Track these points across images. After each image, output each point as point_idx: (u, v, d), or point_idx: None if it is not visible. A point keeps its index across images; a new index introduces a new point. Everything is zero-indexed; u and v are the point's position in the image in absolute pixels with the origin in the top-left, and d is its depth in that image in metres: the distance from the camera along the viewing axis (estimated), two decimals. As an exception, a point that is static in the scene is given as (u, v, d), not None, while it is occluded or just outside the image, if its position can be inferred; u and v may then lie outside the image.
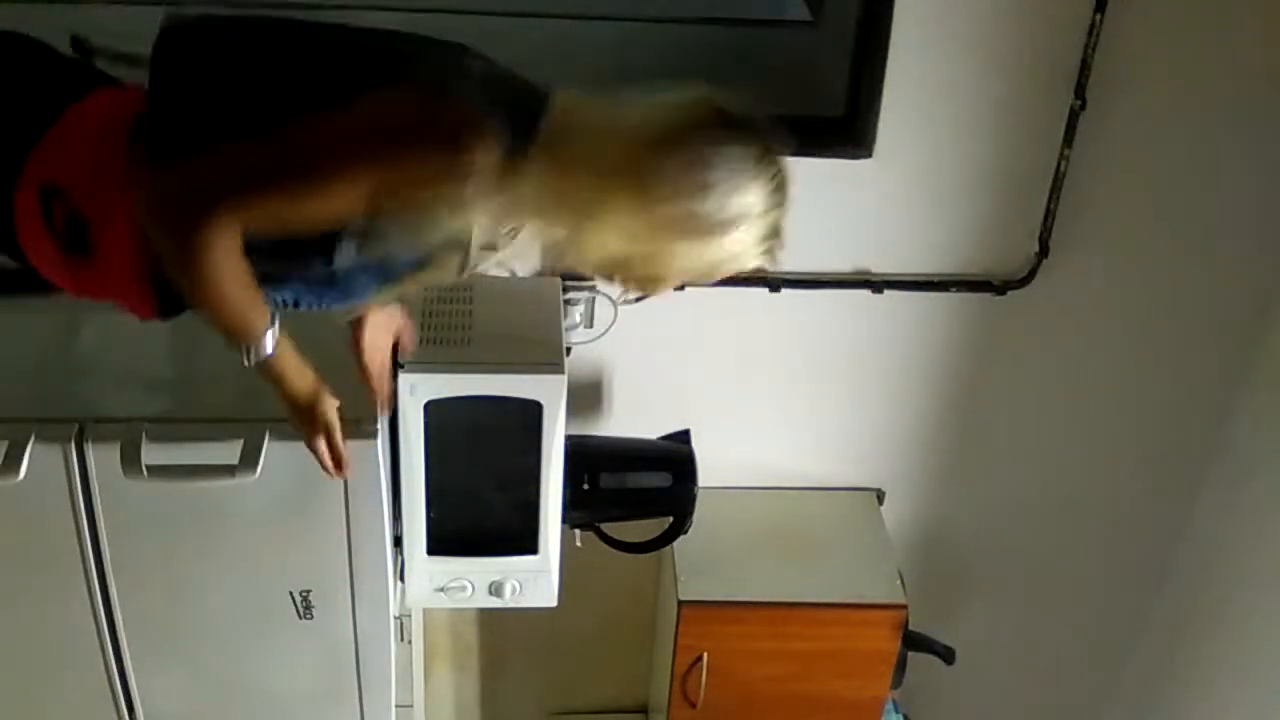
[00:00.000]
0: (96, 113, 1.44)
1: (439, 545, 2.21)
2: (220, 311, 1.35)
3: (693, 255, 1.36)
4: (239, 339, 1.40)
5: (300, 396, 1.55)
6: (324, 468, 1.65)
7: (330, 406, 1.60)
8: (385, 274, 1.41)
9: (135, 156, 1.38)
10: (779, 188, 1.38)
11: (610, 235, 1.34)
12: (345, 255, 1.36)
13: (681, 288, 2.46)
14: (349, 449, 1.65)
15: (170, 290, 1.42)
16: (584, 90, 1.41)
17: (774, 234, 1.40)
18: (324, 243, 1.35)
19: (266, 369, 1.46)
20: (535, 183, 1.33)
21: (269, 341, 1.42)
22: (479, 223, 1.37)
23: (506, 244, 1.48)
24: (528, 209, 1.37)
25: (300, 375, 1.53)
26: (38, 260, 1.46)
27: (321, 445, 1.62)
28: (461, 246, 1.40)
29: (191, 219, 1.27)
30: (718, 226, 1.34)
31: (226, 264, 1.30)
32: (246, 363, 1.42)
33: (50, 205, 1.40)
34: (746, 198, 1.35)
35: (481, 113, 1.30)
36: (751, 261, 1.41)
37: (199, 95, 1.38)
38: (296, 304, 1.47)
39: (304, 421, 1.59)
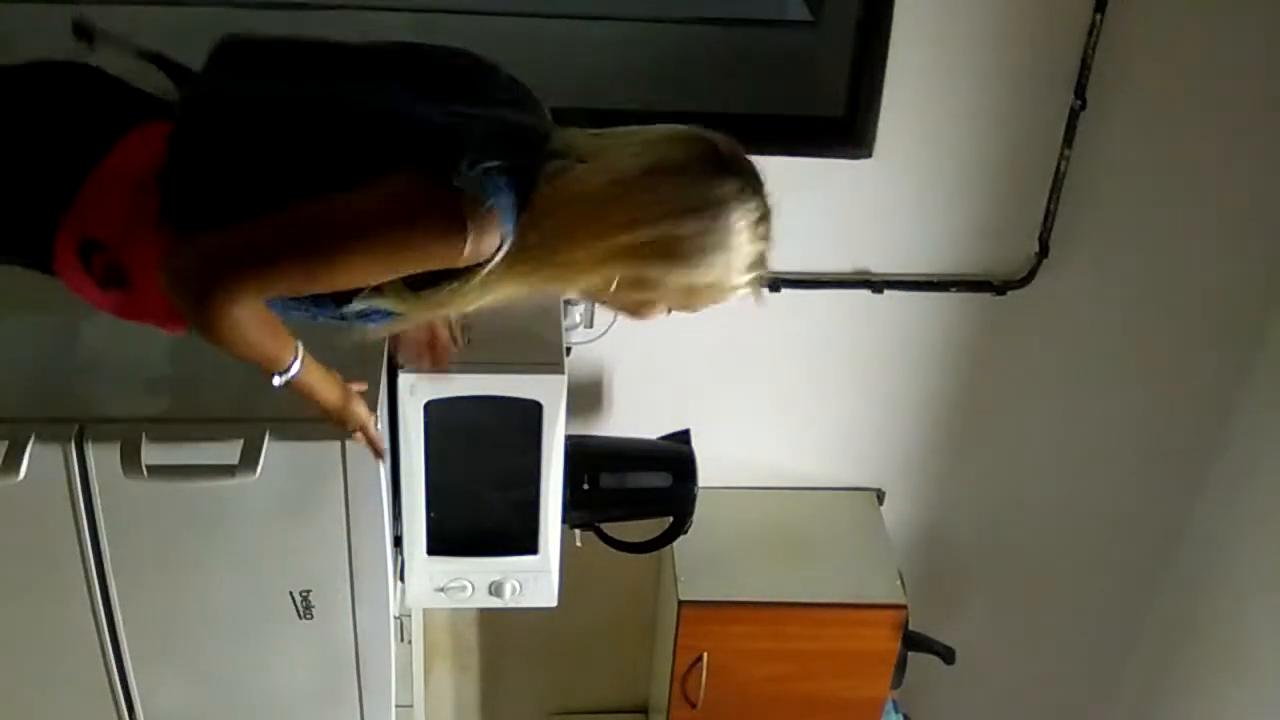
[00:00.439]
0: (131, 162, 1.47)
1: (439, 545, 2.21)
2: (248, 356, 1.44)
3: (677, 280, 1.40)
4: (268, 370, 1.49)
5: (330, 402, 1.62)
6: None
7: (359, 404, 1.68)
8: (393, 316, 1.48)
9: (158, 221, 1.45)
10: (763, 220, 1.42)
11: (599, 261, 1.39)
12: (358, 307, 1.44)
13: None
14: (383, 436, 1.77)
15: None
16: (581, 125, 1.48)
17: (758, 265, 1.44)
18: (336, 297, 1.44)
19: (296, 386, 1.54)
20: (537, 235, 1.39)
21: (296, 366, 1.51)
22: (477, 300, 1.44)
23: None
24: (528, 259, 1.41)
25: (326, 384, 1.60)
26: (76, 290, 1.52)
27: (360, 439, 1.72)
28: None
29: (207, 293, 1.35)
30: (700, 252, 1.38)
31: (248, 324, 1.39)
32: (275, 384, 1.51)
33: (90, 257, 1.47)
34: (731, 224, 1.39)
35: (484, 198, 1.34)
36: (734, 292, 1.44)
37: (216, 169, 1.44)
38: (315, 319, 1.54)
39: (338, 422, 1.67)
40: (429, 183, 1.34)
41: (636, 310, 1.48)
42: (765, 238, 1.43)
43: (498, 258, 1.37)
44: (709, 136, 1.43)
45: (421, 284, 1.40)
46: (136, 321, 1.57)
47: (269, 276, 1.36)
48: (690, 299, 1.44)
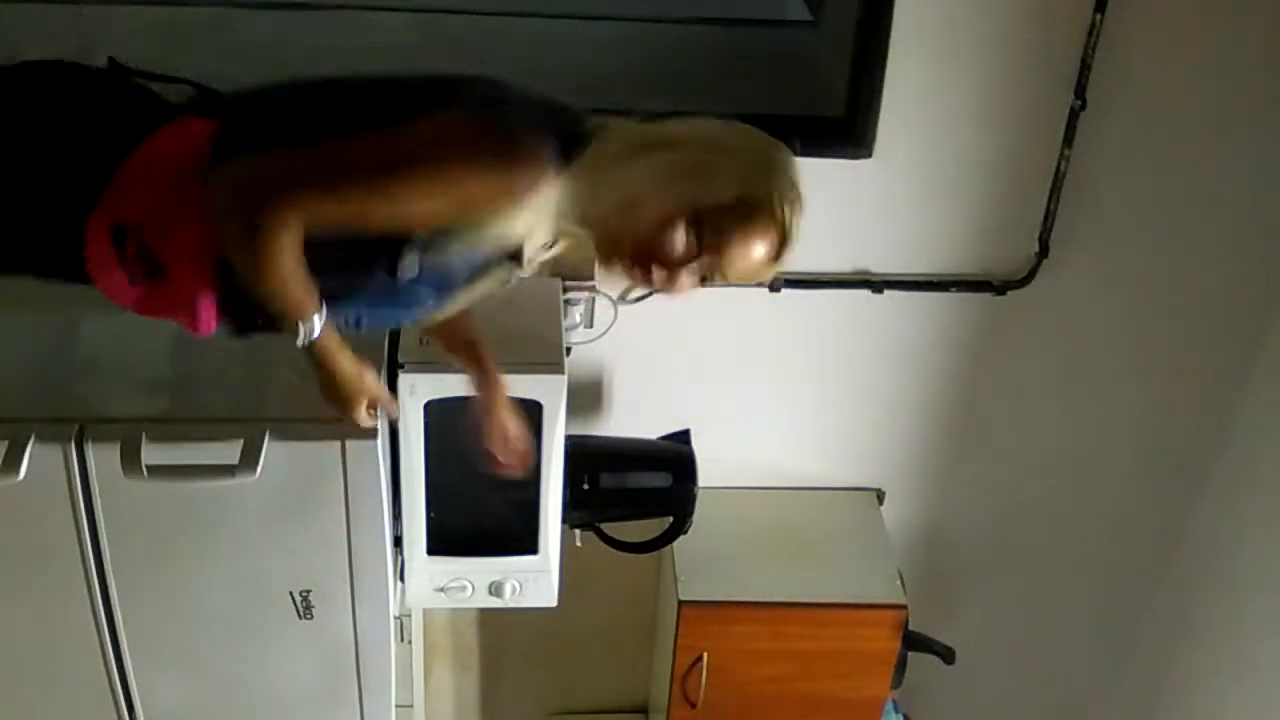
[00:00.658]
0: (166, 150, 1.49)
1: (439, 545, 2.21)
2: (278, 294, 1.41)
3: (725, 185, 1.42)
4: (293, 319, 1.44)
5: (349, 371, 1.57)
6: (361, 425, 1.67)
7: (375, 376, 1.63)
8: (442, 286, 1.50)
9: (209, 165, 1.44)
10: (796, 195, 1.47)
11: (647, 218, 1.41)
12: (409, 266, 1.43)
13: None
14: (396, 402, 1.73)
15: (238, 310, 1.51)
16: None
17: (787, 235, 1.47)
18: (388, 254, 1.43)
19: (319, 347, 1.49)
20: (582, 186, 1.42)
21: (318, 323, 1.46)
22: (530, 233, 1.45)
23: (543, 254, 1.56)
24: (576, 212, 1.44)
25: (345, 352, 1.56)
26: (104, 287, 1.51)
27: (367, 415, 1.64)
28: (512, 257, 1.50)
29: (258, 206, 1.35)
30: (739, 206, 1.41)
31: (287, 253, 1.37)
32: (299, 342, 1.47)
33: (123, 243, 1.47)
34: (769, 182, 1.43)
35: (530, 129, 1.39)
36: (765, 247, 1.45)
37: (268, 120, 1.46)
38: (359, 323, 1.55)
39: (352, 394, 1.60)
40: (480, 112, 1.39)
41: (673, 270, 1.45)
42: (796, 205, 1.48)
43: (550, 186, 1.39)
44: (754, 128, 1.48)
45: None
46: (161, 317, 1.56)
47: (321, 196, 1.36)
48: (718, 259, 1.44)
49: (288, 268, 1.38)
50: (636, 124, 1.47)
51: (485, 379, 1.90)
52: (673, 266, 1.43)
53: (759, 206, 1.43)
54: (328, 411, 1.85)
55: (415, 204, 1.37)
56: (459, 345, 1.88)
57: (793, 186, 1.46)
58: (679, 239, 1.42)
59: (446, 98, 1.42)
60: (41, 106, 1.54)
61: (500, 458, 1.95)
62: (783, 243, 1.46)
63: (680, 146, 1.43)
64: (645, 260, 1.44)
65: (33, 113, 1.53)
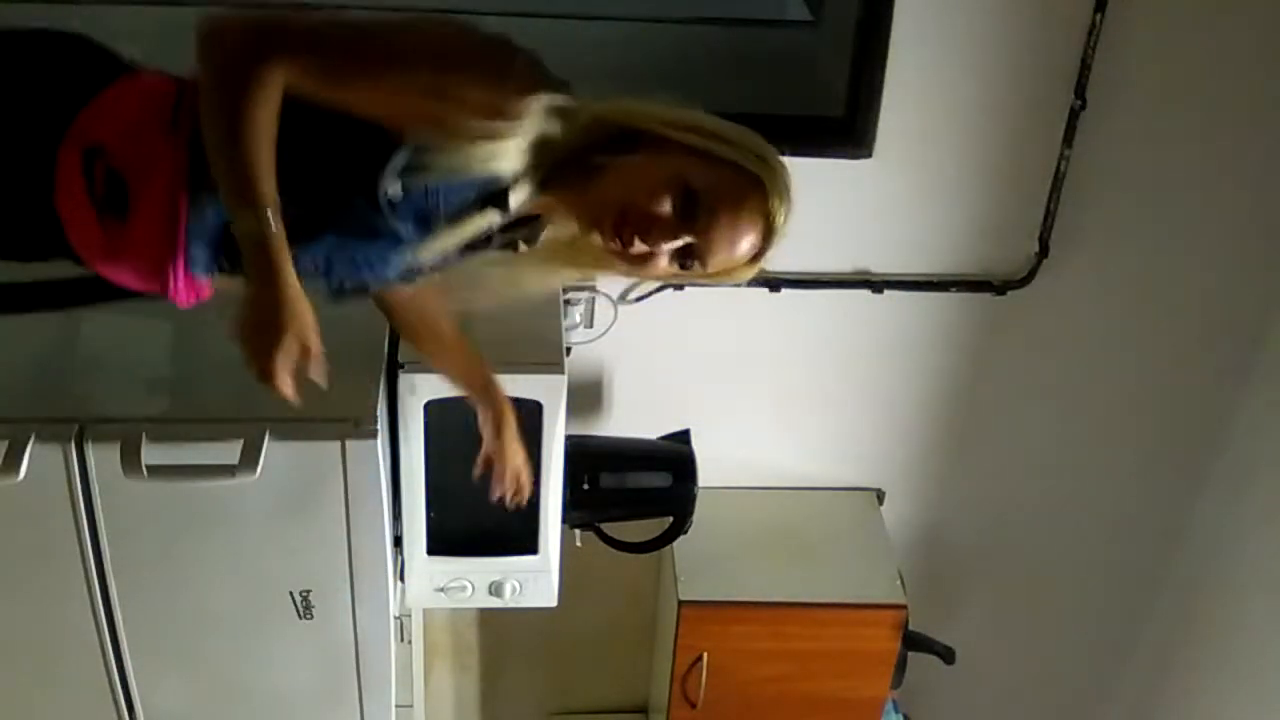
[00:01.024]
0: (143, 85, 1.46)
1: (439, 545, 2.21)
2: (243, 161, 1.32)
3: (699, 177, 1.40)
4: (249, 201, 1.33)
5: (293, 288, 1.38)
6: (266, 380, 1.42)
7: (312, 317, 1.42)
8: (423, 219, 1.42)
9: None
10: (786, 192, 1.43)
11: (635, 177, 1.39)
12: (391, 183, 1.37)
13: (679, 284, 2.47)
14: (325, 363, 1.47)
15: (206, 251, 1.44)
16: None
17: (773, 227, 1.44)
18: (370, 176, 1.37)
19: (267, 249, 1.35)
20: (568, 125, 1.40)
21: (274, 218, 1.34)
22: (516, 168, 1.40)
23: (522, 249, 1.53)
24: (564, 155, 1.41)
25: (291, 268, 1.38)
26: (72, 225, 1.45)
27: (286, 373, 1.41)
28: (496, 204, 1.43)
29: (255, 44, 1.30)
30: (733, 186, 1.40)
31: (267, 109, 1.31)
32: (252, 229, 1.34)
33: (92, 166, 1.41)
34: (763, 170, 1.41)
35: (533, 61, 1.39)
36: (751, 236, 1.44)
37: None
38: (329, 269, 1.46)
39: (285, 324, 1.38)
40: (487, 32, 1.39)
41: (654, 243, 1.41)
42: (789, 206, 1.45)
43: (541, 113, 1.37)
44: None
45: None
46: (129, 270, 1.48)
47: (319, 52, 1.32)
48: (710, 171, 1.41)
49: (262, 129, 1.31)
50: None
51: (491, 412, 1.89)
52: (655, 238, 1.40)
53: (752, 190, 1.41)
54: (328, 411, 1.86)
55: (408, 86, 1.33)
56: (465, 375, 1.88)
57: (784, 184, 1.43)
58: (667, 205, 1.39)
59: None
60: (24, 47, 1.50)
61: (504, 492, 1.94)
62: (768, 235, 1.43)
63: (679, 118, 1.42)
64: (628, 228, 1.40)
65: (14, 49, 1.49)
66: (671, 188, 1.39)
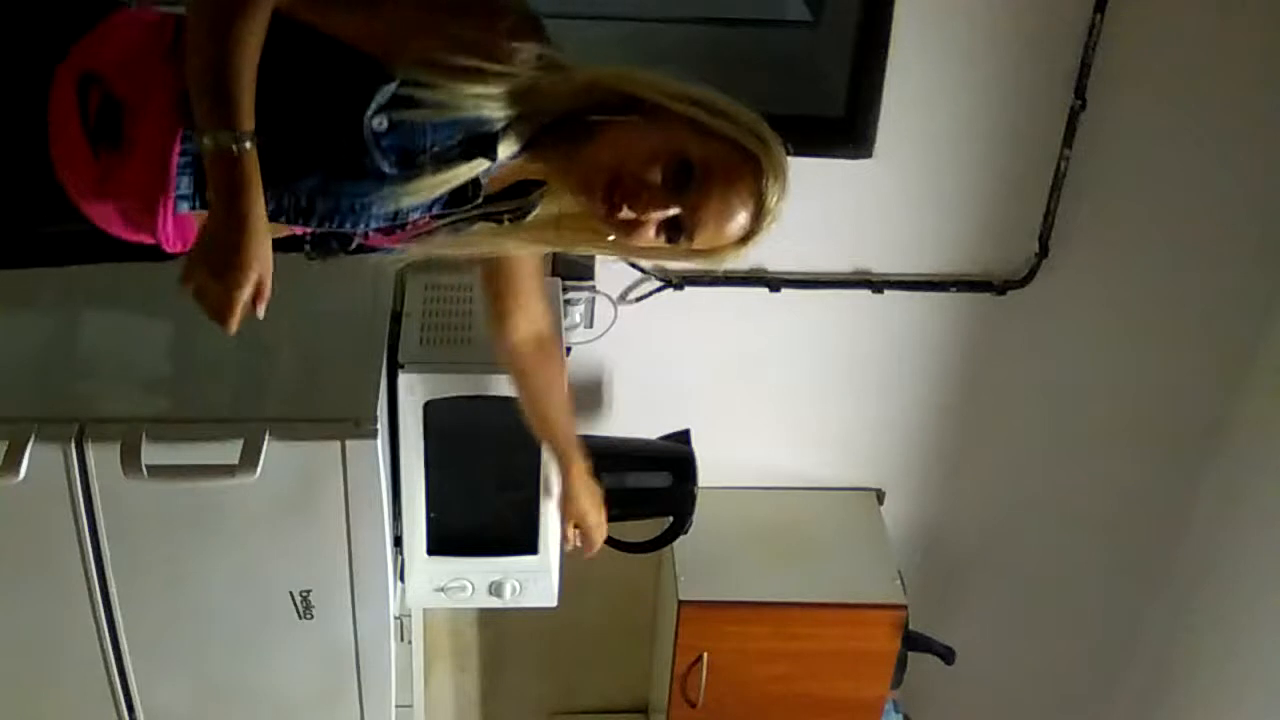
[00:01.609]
0: (141, 16, 1.45)
1: (439, 545, 2.20)
2: (224, 80, 1.28)
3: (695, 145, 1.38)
4: (226, 120, 1.29)
5: (260, 217, 1.33)
6: (220, 315, 1.36)
7: (270, 253, 1.36)
8: (407, 159, 1.39)
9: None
10: (782, 176, 1.42)
11: (630, 142, 1.38)
12: (374, 118, 1.34)
13: (680, 284, 2.46)
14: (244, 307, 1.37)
15: (188, 189, 1.40)
16: None
17: (764, 209, 1.42)
18: (355, 107, 1.34)
19: (240, 171, 1.30)
20: (563, 79, 1.38)
21: (249, 142, 1.30)
22: (506, 113, 1.38)
23: (508, 223, 1.50)
24: (559, 107, 1.39)
25: (261, 202, 1.34)
26: (63, 157, 1.42)
27: (242, 302, 1.34)
28: (485, 151, 1.40)
29: None
30: (728, 160, 1.38)
31: (253, 32, 1.29)
32: (222, 146, 1.29)
33: (86, 93, 1.39)
34: (761, 148, 1.39)
35: (529, 13, 1.37)
36: (743, 215, 1.41)
37: None
38: (311, 206, 1.42)
39: (249, 253, 1.33)
40: None
41: (643, 212, 1.39)
42: (784, 193, 1.43)
43: (533, 54, 1.35)
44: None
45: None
46: (111, 210, 1.45)
47: None
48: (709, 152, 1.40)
49: (248, 49, 1.28)
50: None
51: (564, 463, 1.97)
52: (644, 206, 1.38)
53: (746, 167, 1.39)
54: (328, 411, 1.86)
55: (400, 14, 1.32)
56: (547, 425, 1.93)
57: (780, 166, 1.41)
58: (659, 173, 1.37)
59: None
60: None
61: (571, 542, 2.07)
62: (759, 216, 1.41)
63: (679, 90, 1.40)
64: (618, 192, 1.38)
65: None
66: (665, 156, 1.37)
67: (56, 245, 1.57)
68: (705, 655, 2.53)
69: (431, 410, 2.06)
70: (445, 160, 1.39)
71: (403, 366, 2.03)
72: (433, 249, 1.53)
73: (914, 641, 2.56)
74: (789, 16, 2.71)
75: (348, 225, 1.44)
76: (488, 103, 1.36)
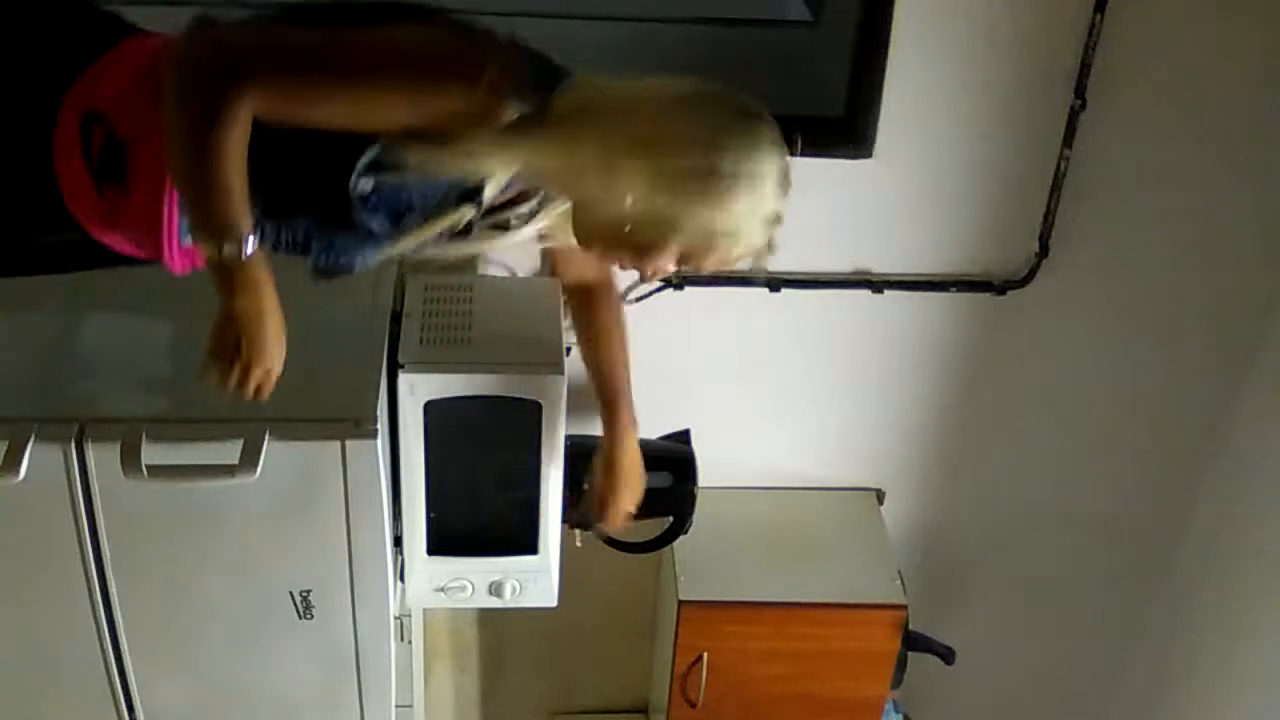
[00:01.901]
0: (140, 49, 1.46)
1: (439, 545, 2.20)
2: (211, 193, 1.32)
3: (697, 219, 1.37)
4: (218, 232, 1.33)
5: (274, 310, 1.41)
6: (228, 383, 1.48)
7: (281, 345, 1.45)
8: (397, 215, 1.42)
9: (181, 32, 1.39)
10: (785, 176, 1.42)
11: (617, 190, 1.37)
12: (359, 182, 1.36)
13: (680, 284, 2.47)
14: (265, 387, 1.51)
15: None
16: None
17: (776, 220, 1.43)
18: (343, 169, 1.36)
19: (245, 272, 1.36)
20: (550, 134, 1.38)
21: (251, 242, 1.35)
22: (488, 168, 1.40)
23: (516, 228, 1.52)
24: (539, 161, 1.40)
25: (272, 294, 1.41)
26: (71, 194, 1.45)
27: (247, 390, 1.48)
28: (471, 201, 1.42)
29: (223, 77, 1.29)
30: (726, 190, 1.36)
31: (235, 141, 1.30)
32: (225, 253, 1.34)
33: (90, 131, 1.41)
34: (759, 167, 1.38)
35: (506, 58, 1.37)
36: (751, 241, 1.42)
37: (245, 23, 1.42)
38: (307, 244, 1.45)
39: (264, 344, 1.43)
40: (459, 28, 1.37)
41: (644, 255, 1.43)
42: (785, 196, 1.42)
43: (511, 115, 1.35)
44: (742, 94, 1.43)
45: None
46: (121, 239, 1.49)
47: (285, 73, 1.31)
48: (703, 246, 1.40)
49: (232, 158, 1.30)
50: (619, 79, 1.43)
51: (607, 418, 2.00)
52: (650, 274, 1.45)
53: (738, 244, 1.41)
54: (328, 411, 1.86)
55: (378, 98, 1.33)
56: (599, 370, 2.00)
57: (776, 212, 1.42)
58: (656, 264, 1.43)
59: (432, 16, 1.39)
60: (23, 7, 1.49)
61: (596, 515, 2.06)
62: (762, 253, 1.45)
63: (668, 140, 1.38)
64: (618, 256, 1.44)
65: (13, 8, 1.48)
66: (664, 252, 1.42)
67: (64, 253, 1.59)
68: (705, 655, 2.53)
69: (431, 410, 2.06)
70: (433, 213, 1.43)
71: (403, 366, 2.03)
72: (449, 252, 1.55)
73: (914, 641, 2.56)
74: (789, 16, 2.71)
75: (343, 262, 1.48)
76: (470, 165, 1.38)
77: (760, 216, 1.41)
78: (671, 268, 1.45)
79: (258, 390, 1.46)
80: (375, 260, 1.49)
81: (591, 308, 1.96)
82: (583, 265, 1.87)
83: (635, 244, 1.42)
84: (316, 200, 1.41)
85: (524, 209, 1.53)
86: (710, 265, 1.44)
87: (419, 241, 1.46)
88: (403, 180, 1.38)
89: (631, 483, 2.06)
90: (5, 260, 1.60)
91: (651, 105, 1.39)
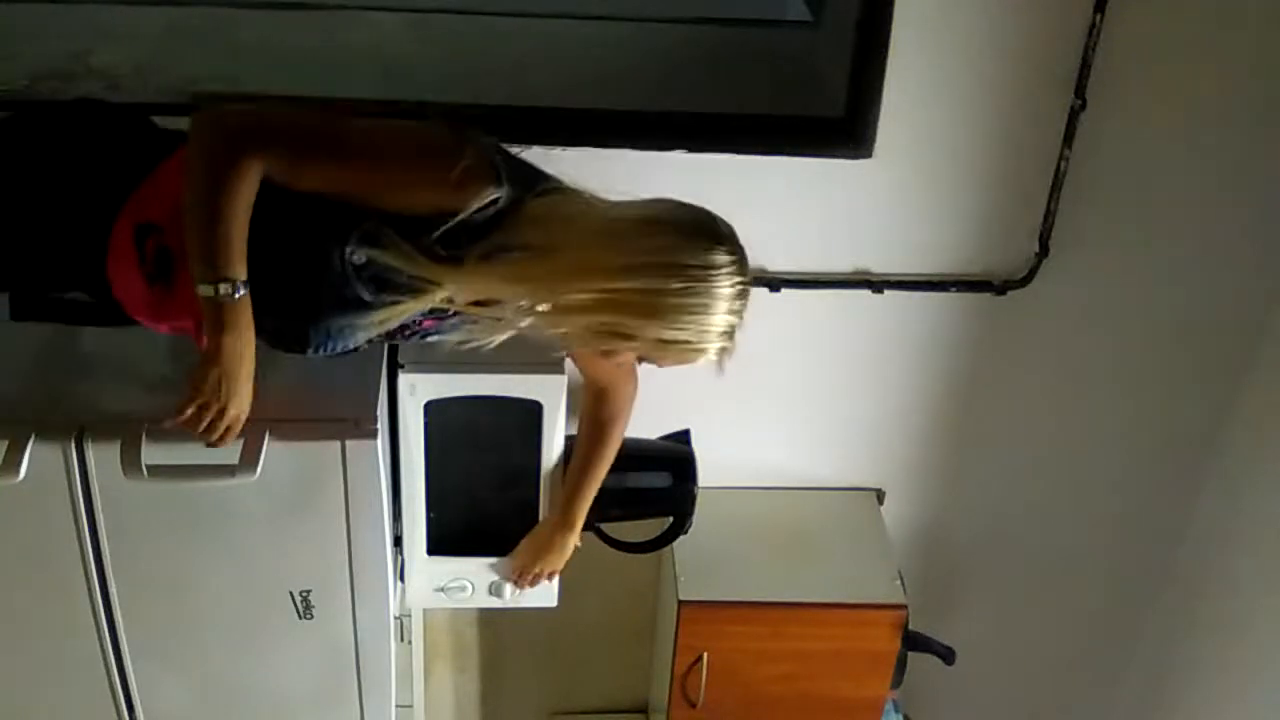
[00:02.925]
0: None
1: (439, 545, 2.21)
2: (218, 235, 1.49)
3: (650, 333, 1.51)
4: (218, 272, 1.50)
5: (245, 357, 1.59)
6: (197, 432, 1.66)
7: (250, 392, 1.64)
8: (385, 287, 1.56)
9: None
10: (742, 295, 1.54)
11: (580, 293, 1.50)
12: (353, 251, 1.52)
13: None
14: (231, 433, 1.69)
15: None
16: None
17: (727, 336, 1.56)
18: (334, 243, 1.52)
19: (233, 314, 1.54)
20: (524, 239, 1.53)
21: (244, 289, 1.53)
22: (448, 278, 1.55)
23: (489, 323, 1.64)
24: (513, 261, 1.54)
25: (251, 341, 1.59)
26: (121, 288, 1.63)
27: (216, 432, 1.66)
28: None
29: (240, 144, 1.48)
30: (680, 311, 1.49)
31: (244, 196, 1.48)
32: (219, 295, 1.51)
33: (144, 241, 1.58)
34: (716, 292, 1.50)
35: (491, 162, 1.53)
36: (699, 355, 1.55)
37: None
38: (305, 339, 1.62)
39: (239, 381, 1.61)
40: (451, 129, 1.54)
41: (604, 353, 1.60)
42: (740, 312, 1.55)
43: (479, 201, 1.50)
44: (710, 211, 1.55)
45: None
46: (170, 325, 1.67)
47: (295, 143, 1.50)
48: (657, 352, 1.54)
49: (240, 210, 1.47)
50: (592, 195, 1.57)
51: (564, 515, 2.12)
52: (616, 359, 1.60)
53: (686, 354, 1.54)
54: (328, 411, 1.86)
55: (371, 175, 1.50)
56: (581, 469, 2.11)
57: (728, 327, 1.54)
58: (615, 354, 1.57)
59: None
60: (77, 129, 1.69)
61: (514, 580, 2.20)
62: (722, 355, 1.57)
63: (622, 262, 1.50)
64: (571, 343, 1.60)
65: (70, 134, 1.68)
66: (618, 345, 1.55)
67: (85, 309, 1.80)
68: (705, 655, 2.53)
69: (431, 410, 2.06)
70: (418, 289, 1.56)
71: (403, 366, 2.03)
72: (454, 342, 1.70)
73: (914, 641, 2.56)
74: (789, 16, 2.71)
75: (338, 348, 1.63)
76: (429, 257, 1.53)
77: (712, 332, 1.53)
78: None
79: (226, 433, 1.65)
80: (365, 339, 1.64)
81: (599, 404, 2.11)
82: (599, 360, 2.00)
83: (590, 344, 1.56)
84: (313, 279, 1.55)
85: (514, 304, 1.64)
86: (668, 364, 1.57)
87: (407, 315, 1.60)
88: (384, 259, 1.53)
89: (555, 563, 2.21)
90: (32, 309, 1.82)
91: (617, 224, 1.52)
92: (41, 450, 1.80)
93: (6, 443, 1.78)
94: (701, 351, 1.54)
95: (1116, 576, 2.94)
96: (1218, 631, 2.72)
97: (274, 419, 1.82)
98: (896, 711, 2.87)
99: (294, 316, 1.59)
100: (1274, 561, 2.52)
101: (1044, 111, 2.32)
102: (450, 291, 1.55)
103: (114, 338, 2.03)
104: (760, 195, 2.33)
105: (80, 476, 1.82)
